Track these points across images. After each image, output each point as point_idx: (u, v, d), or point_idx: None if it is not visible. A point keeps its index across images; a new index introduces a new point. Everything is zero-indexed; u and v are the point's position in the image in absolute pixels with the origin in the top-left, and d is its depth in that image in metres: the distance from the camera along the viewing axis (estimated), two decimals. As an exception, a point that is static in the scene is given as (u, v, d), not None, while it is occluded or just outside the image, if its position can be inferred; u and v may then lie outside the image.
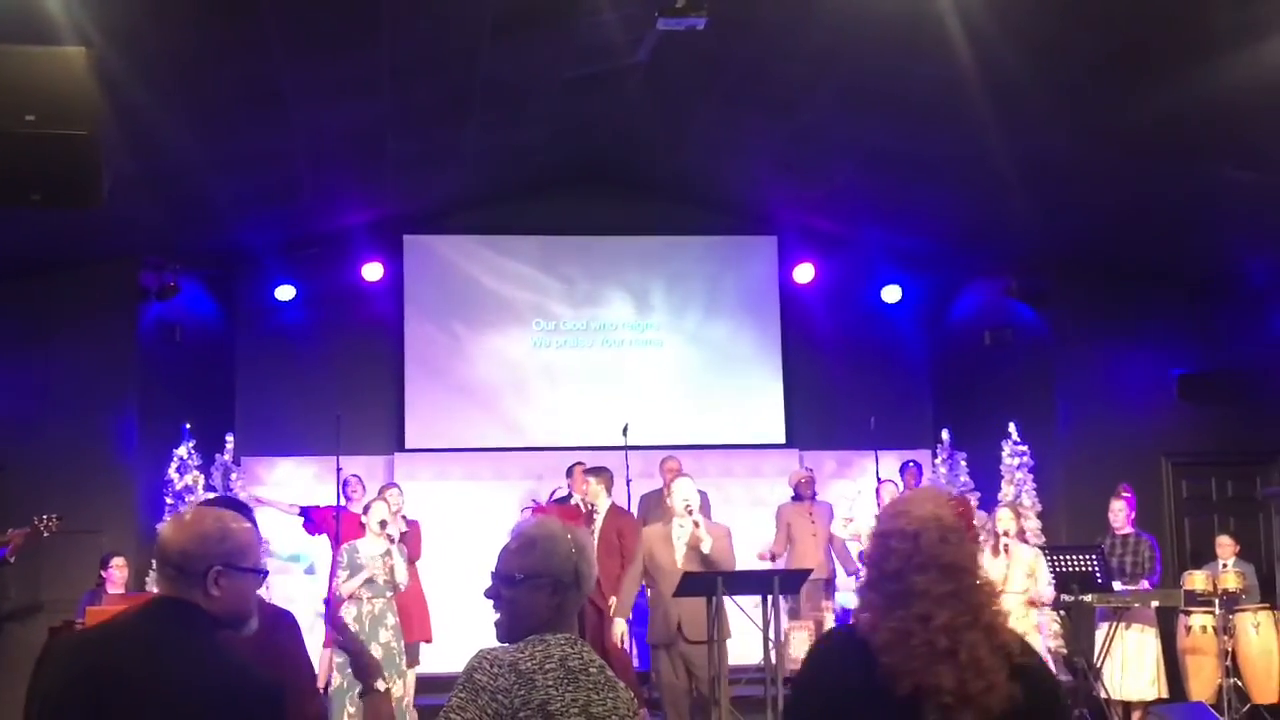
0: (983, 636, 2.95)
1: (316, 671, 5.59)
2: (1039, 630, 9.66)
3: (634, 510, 11.43)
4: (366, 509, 9.74)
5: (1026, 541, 9.91)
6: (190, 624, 3.02)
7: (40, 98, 5.89)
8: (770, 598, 8.17)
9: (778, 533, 11.77)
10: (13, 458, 11.41)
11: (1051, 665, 9.85)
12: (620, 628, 8.92)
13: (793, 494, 12.00)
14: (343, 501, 11.02)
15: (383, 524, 9.41)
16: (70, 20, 6.53)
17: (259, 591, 3.23)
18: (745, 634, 9.15)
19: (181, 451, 11.77)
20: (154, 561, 3.14)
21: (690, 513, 8.63)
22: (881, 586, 3.00)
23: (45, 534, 9.96)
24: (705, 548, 8.51)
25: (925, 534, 3.02)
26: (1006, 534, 9.79)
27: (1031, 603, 9.73)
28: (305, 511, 11.58)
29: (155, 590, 3.12)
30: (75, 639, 3.21)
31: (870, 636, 2.95)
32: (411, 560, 10.21)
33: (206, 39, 7.99)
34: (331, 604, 10.31)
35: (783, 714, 3.15)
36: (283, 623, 3.72)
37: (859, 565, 11.59)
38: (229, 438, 12.47)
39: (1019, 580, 9.67)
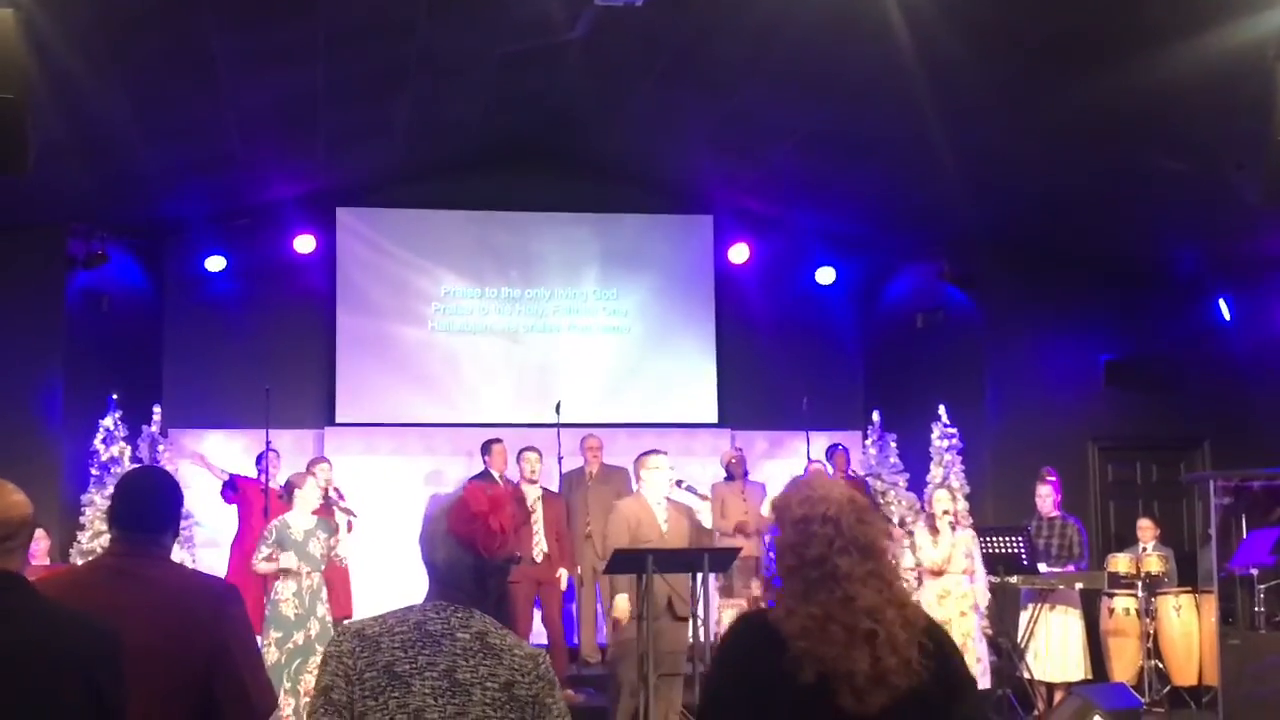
0: (898, 614, 2.99)
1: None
2: (975, 610, 9.76)
3: (557, 488, 11.42)
4: (289, 487, 9.56)
5: (958, 522, 10.03)
6: (19, 590, 3.08)
7: (-34, 59, 5.80)
8: (700, 576, 8.16)
9: (712, 511, 11.77)
10: (-67, 426, 11.22)
11: (985, 646, 9.99)
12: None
13: (725, 474, 12.03)
14: (260, 475, 10.96)
15: (325, 494, 9.33)
16: (-2, -18, 6.39)
17: (190, 564, 3.26)
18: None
19: (108, 422, 11.62)
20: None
21: (689, 488, 8.85)
22: (802, 573, 3.01)
23: None
24: (707, 521, 8.79)
25: (844, 516, 3.05)
26: (947, 514, 9.88)
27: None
28: (232, 479, 11.47)
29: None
30: None
31: (784, 623, 2.96)
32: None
33: (138, 4, 7.87)
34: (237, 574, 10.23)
35: (699, 696, 3.16)
36: (234, 596, 3.69)
37: None
38: (156, 409, 12.32)
39: (960, 560, 9.78)
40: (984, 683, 9.31)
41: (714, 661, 3.22)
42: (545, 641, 10.58)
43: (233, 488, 11.44)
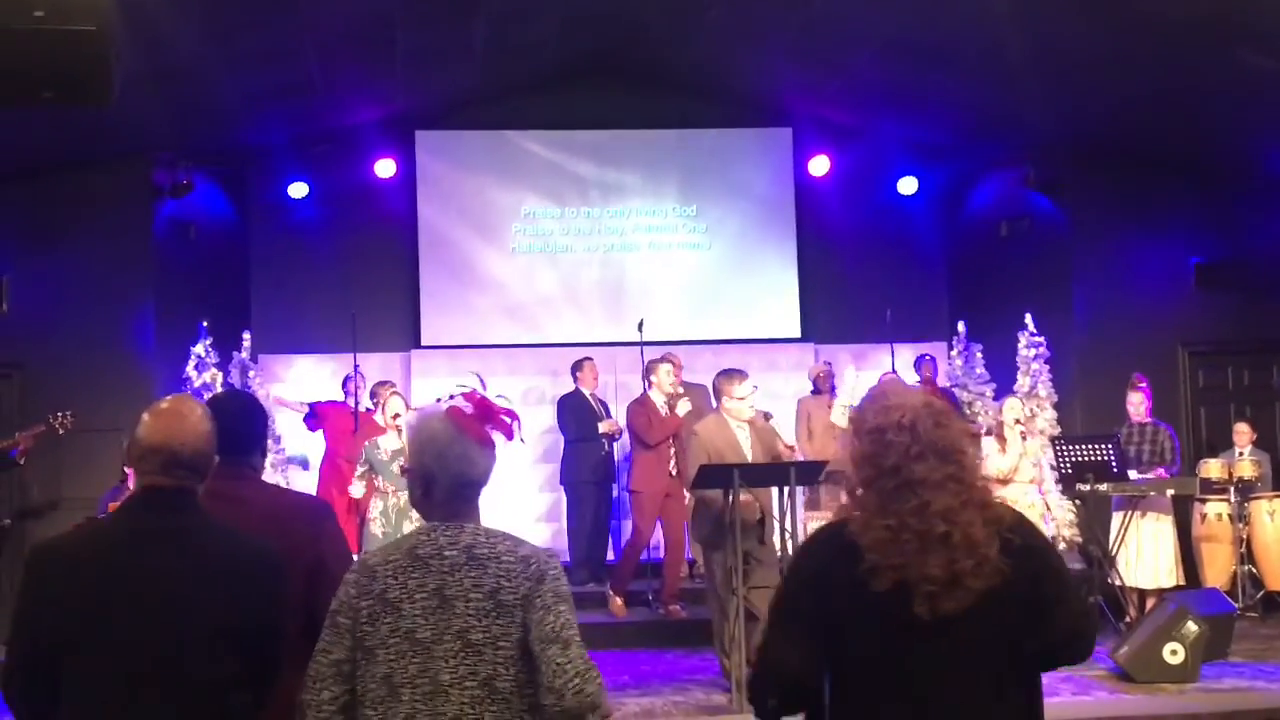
0: (977, 514, 2.99)
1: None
2: (1045, 520, 9.73)
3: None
4: (380, 405, 9.78)
5: (1029, 432, 9.97)
6: (197, 512, 3.21)
7: (48, -8, 5.84)
8: (787, 490, 8.17)
9: (798, 425, 11.79)
10: (32, 357, 11.48)
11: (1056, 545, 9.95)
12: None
13: (812, 388, 12.00)
14: (346, 399, 11.13)
15: (395, 417, 9.48)
16: (76, -87, 6.42)
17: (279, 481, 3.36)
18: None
19: (199, 349, 11.80)
20: (148, 458, 3.17)
21: (768, 417, 8.83)
22: (878, 483, 3.01)
23: (61, 431, 10.02)
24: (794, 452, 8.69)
25: (920, 422, 3.05)
26: (1018, 423, 9.82)
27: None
28: (312, 408, 11.66)
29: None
30: (70, 541, 3.26)
31: (860, 535, 2.97)
32: None
33: (213, -69, 7.89)
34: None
35: (770, 606, 3.17)
36: (330, 514, 3.79)
37: None
38: (246, 335, 12.50)
39: (1028, 470, 9.72)
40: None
41: (789, 569, 3.25)
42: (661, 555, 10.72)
43: (314, 416, 11.62)
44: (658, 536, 10.79)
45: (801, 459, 9.46)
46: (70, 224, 11.72)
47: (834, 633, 2.99)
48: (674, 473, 10.61)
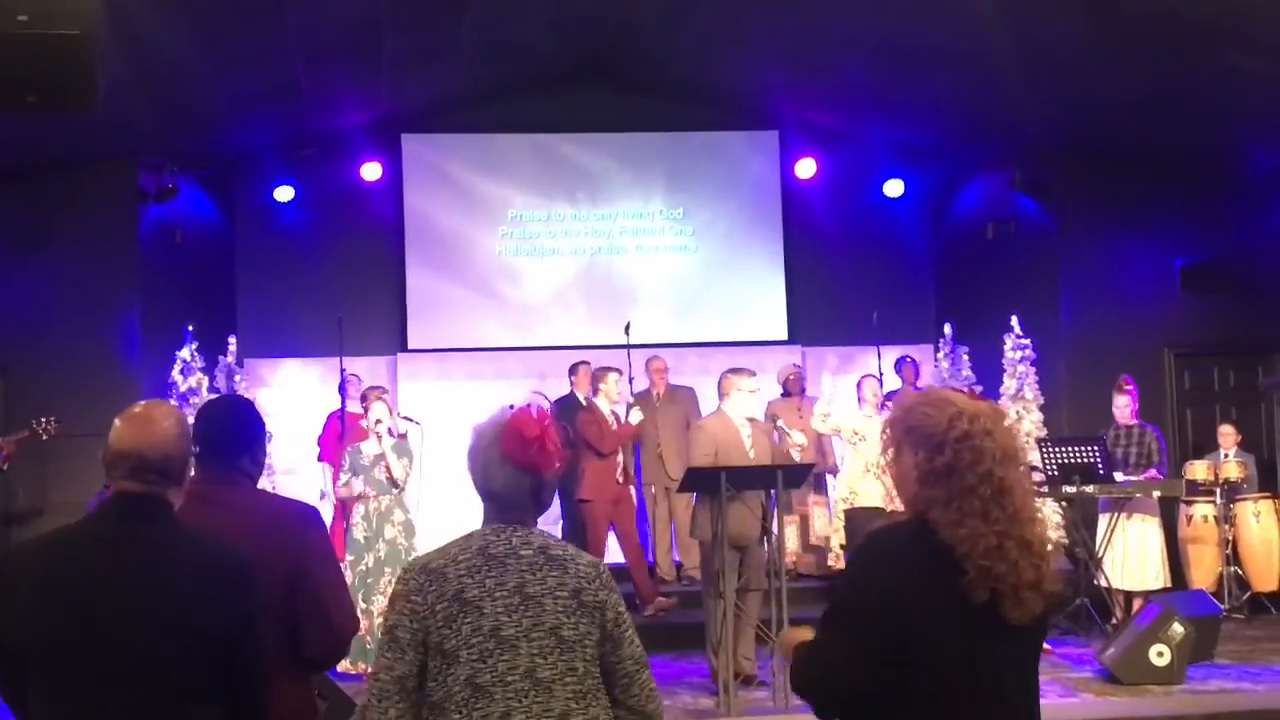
0: (1040, 521, 3.03)
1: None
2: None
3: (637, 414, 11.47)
4: (366, 409, 9.83)
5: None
6: (166, 519, 3.16)
7: (32, -3, 5.83)
8: (775, 493, 8.17)
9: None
10: (16, 361, 11.44)
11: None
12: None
13: (782, 390, 11.98)
14: (344, 401, 11.08)
15: (377, 422, 9.50)
16: (60, -83, 6.40)
17: (267, 487, 3.31)
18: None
19: (185, 354, 11.77)
20: (117, 463, 3.16)
21: (775, 418, 8.84)
22: (979, 491, 2.94)
23: (44, 437, 9.98)
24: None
25: (998, 428, 3.02)
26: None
27: None
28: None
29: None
30: (36, 548, 3.24)
31: (965, 543, 2.90)
32: None
33: (198, -65, 7.88)
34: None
35: (830, 610, 3.08)
36: (315, 519, 3.76)
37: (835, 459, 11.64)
38: (232, 339, 12.47)
39: None
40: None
41: (857, 575, 3.12)
42: (622, 560, 10.71)
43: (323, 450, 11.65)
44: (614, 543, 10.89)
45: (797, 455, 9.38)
46: (55, 228, 11.68)
47: (914, 642, 2.92)
48: (621, 479, 10.68)
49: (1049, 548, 3.01)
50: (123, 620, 2.99)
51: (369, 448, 9.45)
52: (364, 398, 10.73)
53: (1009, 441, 3.03)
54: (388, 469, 9.34)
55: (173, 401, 11.55)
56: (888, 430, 3.14)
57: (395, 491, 9.37)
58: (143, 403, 3.31)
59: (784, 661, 3.25)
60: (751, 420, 8.72)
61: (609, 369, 11.03)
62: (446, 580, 3.07)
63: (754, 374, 8.84)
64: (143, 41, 8.74)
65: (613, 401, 10.86)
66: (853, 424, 9.87)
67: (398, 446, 9.47)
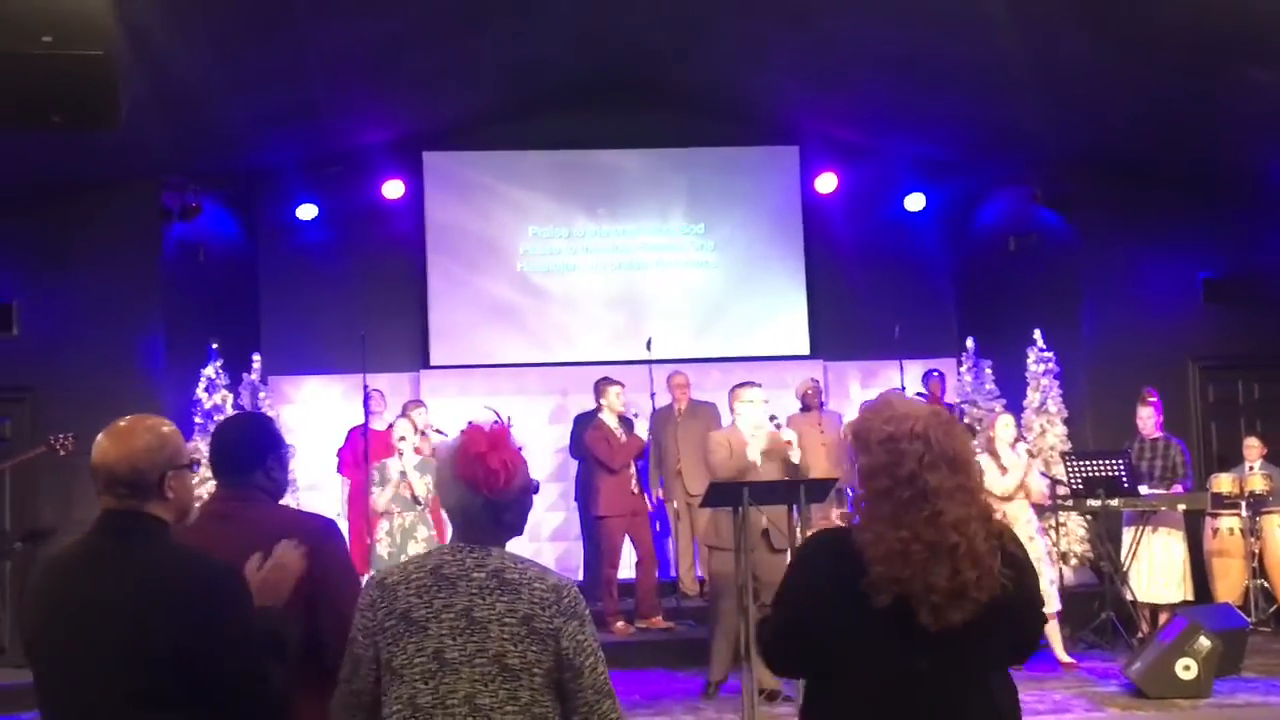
0: (981, 526, 3.00)
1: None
2: (1041, 533, 9.63)
3: (645, 425, 11.50)
4: (391, 426, 9.88)
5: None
6: (143, 532, 3.17)
7: (56, 18, 5.91)
8: (797, 507, 8.16)
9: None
10: (42, 380, 11.50)
11: (1053, 568, 9.86)
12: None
13: (800, 405, 11.97)
14: (368, 418, 11.13)
15: (401, 439, 9.55)
16: (83, -61, 6.46)
17: (289, 503, 3.32)
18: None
19: (209, 371, 11.83)
20: (94, 478, 3.19)
21: (777, 424, 8.81)
22: (894, 494, 2.99)
23: (62, 452, 10.04)
24: (795, 456, 8.63)
25: (932, 431, 3.04)
26: (1019, 440, 9.72)
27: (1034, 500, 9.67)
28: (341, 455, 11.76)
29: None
30: (44, 565, 3.31)
31: (870, 547, 2.96)
32: None
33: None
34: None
35: (770, 608, 3.21)
36: (333, 532, 3.78)
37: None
38: (255, 357, 12.52)
39: (1037, 487, 9.65)
40: (1055, 604, 9.19)
41: (788, 574, 3.23)
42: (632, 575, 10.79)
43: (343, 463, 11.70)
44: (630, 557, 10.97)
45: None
46: (80, 247, 11.76)
47: (833, 637, 3.02)
48: (635, 491, 10.70)
49: (991, 557, 2.97)
50: (99, 634, 3.03)
51: (394, 464, 9.52)
52: (404, 412, 10.77)
53: (949, 445, 3.03)
54: (409, 486, 9.40)
55: (198, 420, 11.62)
56: (845, 436, 3.24)
57: (419, 508, 9.42)
58: (129, 417, 3.33)
59: None
60: (761, 430, 8.74)
61: (611, 381, 11.05)
62: (396, 598, 3.08)
63: (756, 385, 8.98)
64: (165, 61, 8.79)
65: (617, 414, 10.90)
66: None
67: (421, 464, 9.50)
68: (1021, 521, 9.24)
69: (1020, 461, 9.46)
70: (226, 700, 3.10)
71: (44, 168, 10.76)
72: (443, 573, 3.08)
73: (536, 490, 3.30)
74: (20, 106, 6.19)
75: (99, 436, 3.24)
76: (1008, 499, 9.39)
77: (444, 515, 8.78)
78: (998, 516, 3.13)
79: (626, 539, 10.86)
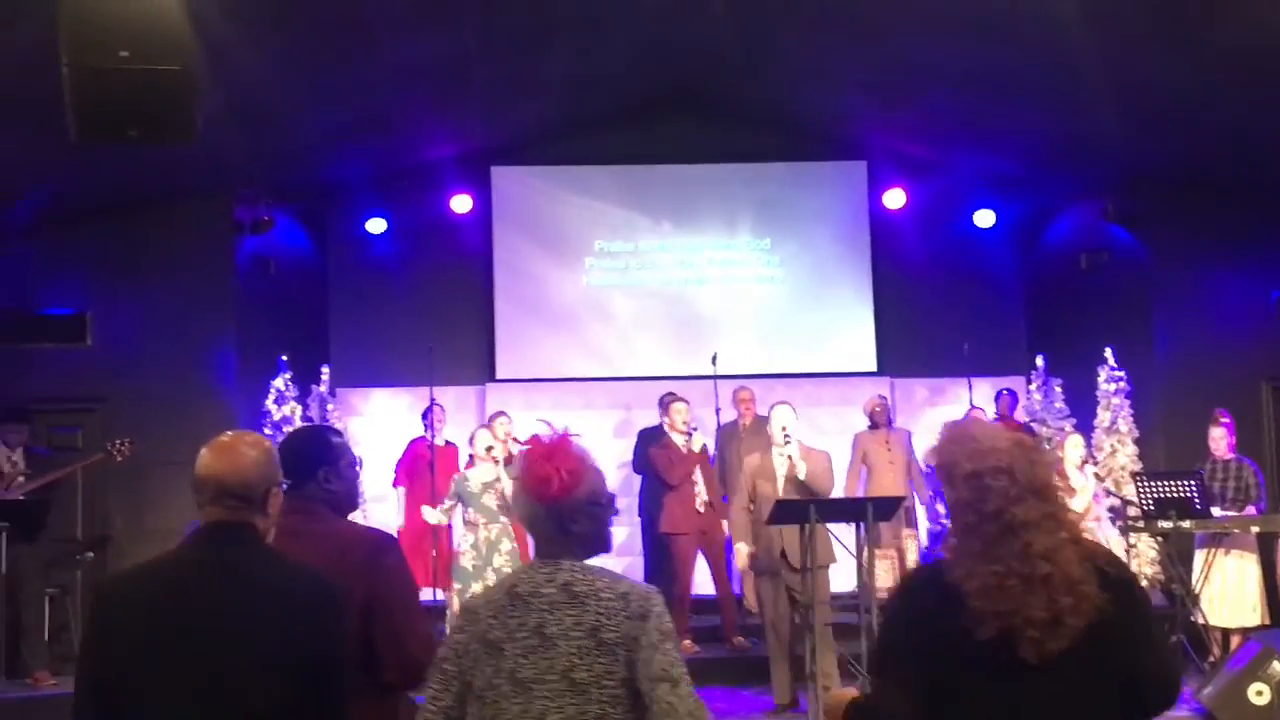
0: (1074, 550, 2.96)
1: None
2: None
3: (713, 440, 11.47)
4: (471, 439, 9.87)
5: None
6: (252, 544, 3.21)
7: (134, 33, 5.97)
8: (864, 525, 8.13)
9: (853, 462, 11.73)
10: (115, 390, 11.65)
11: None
12: (743, 552, 8.92)
13: (869, 422, 11.90)
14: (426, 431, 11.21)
15: (488, 449, 9.54)
16: (161, -45, 6.55)
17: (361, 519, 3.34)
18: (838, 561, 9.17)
19: (278, 383, 11.95)
20: (201, 490, 3.22)
21: (788, 439, 8.66)
22: (981, 530, 2.96)
23: (119, 458, 10.18)
24: (801, 473, 8.55)
25: (1017, 463, 3.00)
26: (1087, 463, 9.64)
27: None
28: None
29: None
30: (132, 575, 3.31)
31: (964, 582, 2.93)
32: None
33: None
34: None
35: (876, 645, 3.18)
36: (390, 547, 3.79)
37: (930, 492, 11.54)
38: (324, 369, 12.63)
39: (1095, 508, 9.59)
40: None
41: (888, 616, 3.21)
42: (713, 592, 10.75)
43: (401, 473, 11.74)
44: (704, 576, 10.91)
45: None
46: (154, 259, 11.92)
47: (939, 678, 2.96)
48: (703, 509, 10.64)
49: (1087, 582, 2.91)
50: (210, 646, 3.02)
51: (477, 475, 9.49)
52: (487, 422, 10.82)
53: (1034, 475, 3.00)
54: (500, 495, 9.36)
55: (267, 431, 11.72)
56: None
57: (504, 521, 9.40)
58: (230, 432, 3.37)
59: None
60: (790, 455, 8.76)
61: (676, 398, 11.06)
62: (478, 620, 3.09)
63: (783, 404, 9.05)
64: (240, 77, 8.89)
65: (679, 431, 10.87)
66: None
67: (509, 471, 9.52)
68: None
69: (1089, 484, 9.42)
70: (328, 711, 3.14)
71: (119, 180, 10.92)
72: (516, 591, 3.08)
73: (612, 502, 3.27)
74: (97, 120, 6.26)
75: (202, 451, 3.26)
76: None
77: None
78: (1088, 537, 3.08)
79: (701, 557, 10.81)
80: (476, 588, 9.08)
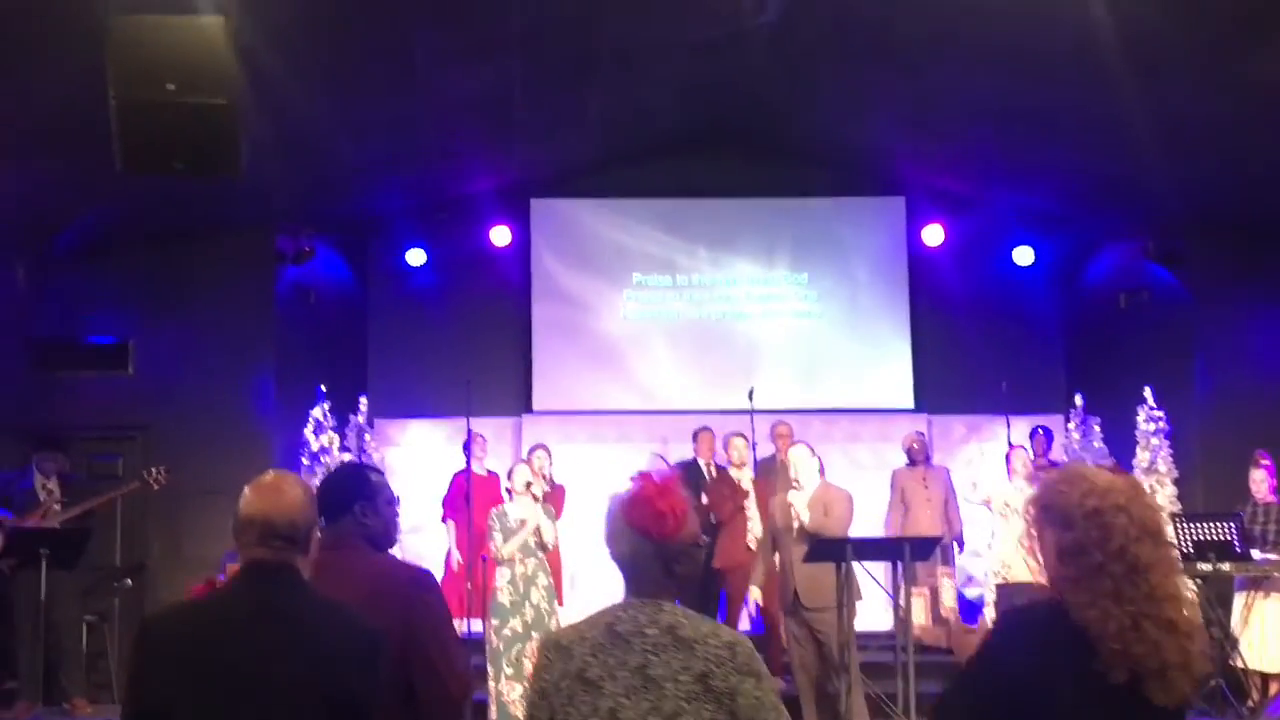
0: (1188, 598, 2.94)
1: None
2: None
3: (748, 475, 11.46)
4: (510, 473, 9.86)
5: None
6: (296, 585, 3.21)
7: (181, 67, 6.05)
8: (901, 565, 8.10)
9: (891, 499, 11.69)
10: (155, 418, 11.74)
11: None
12: (753, 594, 8.97)
13: (907, 459, 11.85)
14: (469, 461, 11.21)
15: (527, 485, 9.51)
16: (208, -11, 6.64)
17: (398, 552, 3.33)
18: (868, 599, 9.12)
19: (317, 413, 12.00)
20: (246, 530, 3.22)
21: (797, 484, 8.66)
22: (1108, 569, 2.89)
23: (155, 486, 10.24)
24: (805, 519, 8.51)
25: (1134, 503, 2.95)
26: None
27: None
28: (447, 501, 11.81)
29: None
30: (177, 614, 3.33)
31: (1098, 624, 2.86)
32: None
33: (338, 7, 8.10)
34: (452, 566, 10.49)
35: (955, 686, 3.09)
36: (427, 583, 3.79)
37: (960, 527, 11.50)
38: (362, 399, 12.68)
39: None
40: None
41: (988, 658, 3.06)
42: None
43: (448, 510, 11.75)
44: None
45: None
46: (195, 289, 12.01)
47: (1053, 717, 2.90)
48: (754, 544, 10.60)
49: (1202, 630, 2.91)
50: (250, 685, 3.04)
51: (515, 510, 9.45)
52: (526, 456, 10.83)
53: (1148, 517, 2.94)
54: (538, 532, 9.34)
55: (305, 461, 11.78)
56: (1029, 508, 3.09)
57: (541, 555, 9.37)
58: (271, 471, 3.38)
59: None
60: (796, 484, 8.77)
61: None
62: (572, 658, 3.03)
63: (800, 444, 9.18)
64: (284, 109, 8.97)
65: (735, 465, 10.85)
66: (1004, 496, 9.80)
67: (546, 509, 9.50)
68: None
69: None
70: None
71: (162, 210, 11.02)
72: (616, 630, 3.03)
73: (704, 546, 3.25)
74: (144, 153, 6.33)
75: (246, 490, 3.27)
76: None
77: (562, 564, 8.72)
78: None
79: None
80: (514, 623, 9.06)
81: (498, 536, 9.34)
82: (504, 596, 9.18)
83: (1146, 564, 2.89)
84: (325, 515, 3.75)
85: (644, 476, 3.21)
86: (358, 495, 3.88)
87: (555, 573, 9.93)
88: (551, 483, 10.94)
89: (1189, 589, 2.98)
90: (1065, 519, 2.97)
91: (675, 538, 3.11)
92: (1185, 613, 2.89)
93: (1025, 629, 3.05)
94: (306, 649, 3.09)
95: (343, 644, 3.14)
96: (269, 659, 3.07)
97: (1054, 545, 2.98)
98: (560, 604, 10.62)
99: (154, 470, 10.21)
